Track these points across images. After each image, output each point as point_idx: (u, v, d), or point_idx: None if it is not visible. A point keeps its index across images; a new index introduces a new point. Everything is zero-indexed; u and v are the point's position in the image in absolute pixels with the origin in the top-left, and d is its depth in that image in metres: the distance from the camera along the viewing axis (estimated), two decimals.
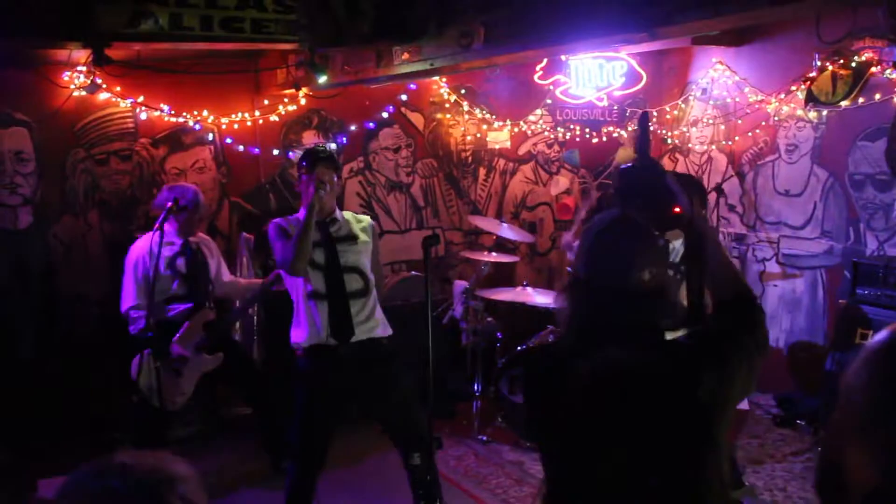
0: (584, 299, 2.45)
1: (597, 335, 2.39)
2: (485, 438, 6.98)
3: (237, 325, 7.17)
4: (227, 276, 6.59)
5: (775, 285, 7.90)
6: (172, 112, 7.20)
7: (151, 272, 5.70)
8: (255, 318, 7.26)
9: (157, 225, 5.66)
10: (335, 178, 5.01)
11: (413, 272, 8.14)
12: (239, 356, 6.45)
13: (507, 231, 7.61)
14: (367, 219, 5.29)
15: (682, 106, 8.82)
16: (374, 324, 5.09)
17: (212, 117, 7.38)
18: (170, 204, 5.80)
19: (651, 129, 7.10)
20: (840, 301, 6.87)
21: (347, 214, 5.21)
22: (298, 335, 4.99)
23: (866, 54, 6.72)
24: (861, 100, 6.86)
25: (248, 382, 6.49)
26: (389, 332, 5.21)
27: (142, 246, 6.09)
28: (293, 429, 5.01)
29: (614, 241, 2.46)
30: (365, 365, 4.98)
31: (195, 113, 7.29)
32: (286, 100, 7.54)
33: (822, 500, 1.94)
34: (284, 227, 4.97)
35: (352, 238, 5.11)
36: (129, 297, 6.04)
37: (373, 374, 5.02)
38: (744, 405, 6.59)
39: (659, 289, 2.43)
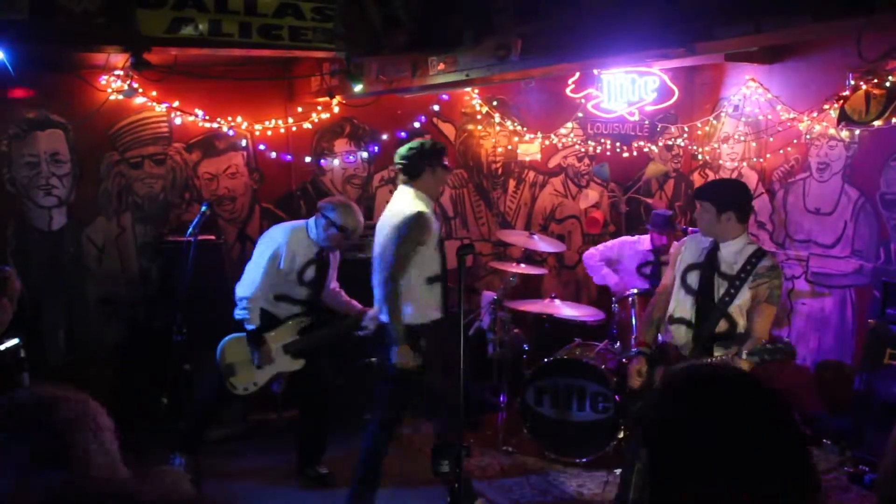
0: None
1: None
2: (510, 449, 6.98)
3: None
4: (333, 283, 6.54)
5: (804, 304, 7.86)
6: (206, 117, 7.26)
7: (284, 264, 6.02)
8: None
9: (190, 230, 5.73)
10: None
11: None
12: (316, 364, 6.44)
13: (539, 242, 7.61)
14: None
15: (714, 122, 8.80)
16: None
17: (245, 123, 7.43)
18: (204, 207, 5.86)
19: None
20: (869, 321, 6.83)
21: None
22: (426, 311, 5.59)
23: None
24: (894, 119, 6.82)
25: (312, 383, 6.48)
26: None
27: (285, 234, 6.12)
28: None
29: None
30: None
31: (229, 119, 7.34)
32: (319, 107, 7.57)
33: None
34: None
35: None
36: (249, 283, 6.04)
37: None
38: None
39: None
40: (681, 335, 5.07)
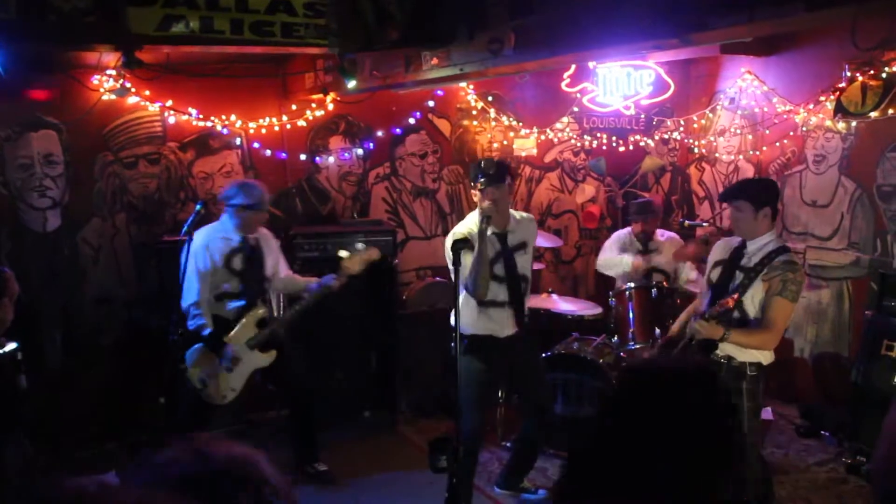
0: None
1: None
2: (509, 445, 6.95)
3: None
4: (284, 271, 6.55)
5: (801, 296, 7.83)
6: (200, 116, 7.22)
7: (209, 265, 6.01)
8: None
9: (184, 229, 5.71)
10: (505, 186, 5.54)
11: (438, 278, 8.13)
12: (288, 357, 6.45)
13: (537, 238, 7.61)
14: (531, 218, 6.03)
15: (710, 115, 8.79)
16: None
17: (239, 122, 7.39)
18: (198, 207, 5.84)
19: None
20: (866, 312, 6.82)
21: (515, 216, 5.76)
22: (469, 325, 5.56)
23: None
24: (891, 111, 6.81)
25: (292, 382, 6.48)
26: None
27: (200, 238, 6.12)
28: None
29: None
30: (517, 346, 5.77)
31: (223, 117, 7.31)
32: (314, 105, 7.54)
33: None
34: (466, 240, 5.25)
35: (523, 246, 5.72)
36: (190, 292, 6.05)
37: (518, 351, 5.82)
38: (767, 415, 6.58)
39: None
40: None
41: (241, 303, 6.22)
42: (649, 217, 7.53)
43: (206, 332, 5.99)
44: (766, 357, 5.04)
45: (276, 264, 6.50)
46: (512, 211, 5.75)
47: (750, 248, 5.06)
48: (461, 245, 4.65)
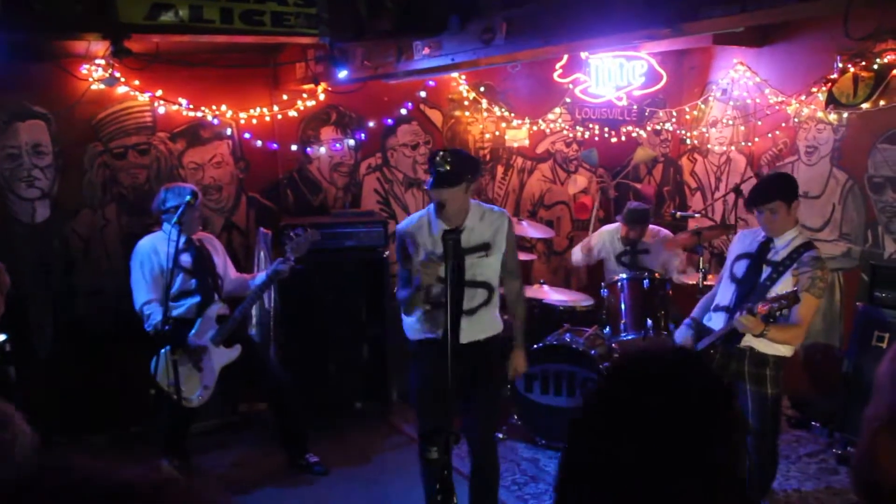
0: None
1: None
2: (500, 436, 6.95)
3: (253, 319, 7.17)
4: (233, 272, 6.57)
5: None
6: (191, 106, 7.16)
7: (157, 269, 5.99)
8: (272, 311, 7.24)
9: (175, 220, 5.68)
10: (463, 186, 4.76)
11: None
12: (255, 352, 6.46)
13: (528, 228, 7.61)
14: (500, 214, 5.08)
15: (702, 106, 8.78)
16: (482, 328, 5.10)
17: (230, 112, 7.34)
18: (188, 198, 5.81)
19: None
20: (857, 304, 6.82)
21: (478, 213, 4.98)
22: (412, 330, 5.14)
23: (888, 56, 6.68)
24: (882, 102, 6.81)
25: (265, 379, 6.46)
26: (499, 330, 5.24)
27: (146, 245, 6.15)
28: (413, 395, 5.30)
29: None
30: (465, 356, 4.74)
31: (213, 107, 7.26)
32: (305, 95, 7.50)
33: (859, 495, 1.89)
34: (406, 242, 4.95)
35: (484, 247, 4.98)
36: (141, 293, 6.08)
37: (469, 364, 4.92)
38: None
39: None
40: (719, 322, 5.20)
41: (197, 299, 6.20)
42: (639, 227, 7.54)
43: (168, 327, 5.84)
44: (787, 350, 5.07)
45: (225, 265, 6.52)
46: (479, 204, 5.03)
47: (777, 242, 5.08)
48: (453, 236, 4.59)
